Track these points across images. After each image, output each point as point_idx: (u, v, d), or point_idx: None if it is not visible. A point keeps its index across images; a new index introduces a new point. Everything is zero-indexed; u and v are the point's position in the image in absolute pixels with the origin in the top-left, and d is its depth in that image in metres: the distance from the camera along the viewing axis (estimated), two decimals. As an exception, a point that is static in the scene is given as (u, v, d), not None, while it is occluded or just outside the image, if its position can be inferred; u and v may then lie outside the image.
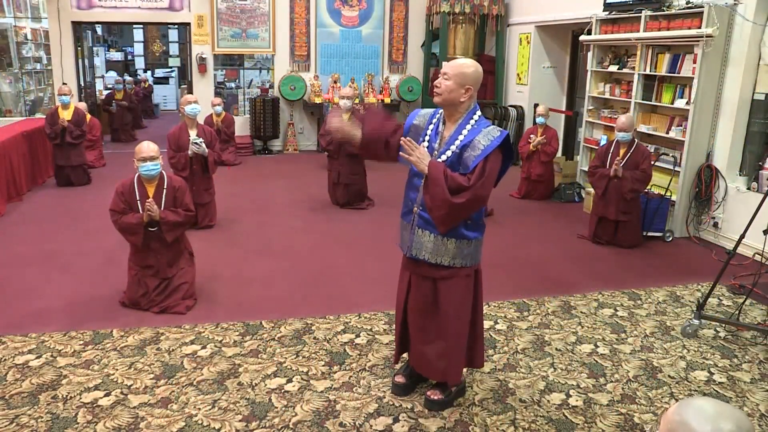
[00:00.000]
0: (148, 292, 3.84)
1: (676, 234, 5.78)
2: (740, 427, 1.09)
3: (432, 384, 2.96)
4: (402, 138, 2.65)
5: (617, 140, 5.41)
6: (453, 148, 2.62)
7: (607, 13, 6.63)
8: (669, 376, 3.24)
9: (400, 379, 2.99)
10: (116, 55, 16.42)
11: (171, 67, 16.45)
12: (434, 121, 2.74)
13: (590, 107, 7.12)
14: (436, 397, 2.86)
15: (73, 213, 6.14)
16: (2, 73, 10.01)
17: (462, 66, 2.61)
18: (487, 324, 3.76)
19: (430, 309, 2.79)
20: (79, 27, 9.63)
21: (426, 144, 2.70)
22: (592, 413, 2.87)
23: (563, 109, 9.03)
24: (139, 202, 3.80)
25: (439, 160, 2.63)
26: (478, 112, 2.67)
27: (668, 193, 5.72)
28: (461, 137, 2.62)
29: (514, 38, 9.49)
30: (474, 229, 2.71)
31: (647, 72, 6.16)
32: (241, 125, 9.97)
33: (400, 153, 2.66)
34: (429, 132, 2.72)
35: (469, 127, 2.63)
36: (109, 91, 11.72)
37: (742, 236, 3.70)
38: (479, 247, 2.78)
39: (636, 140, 5.42)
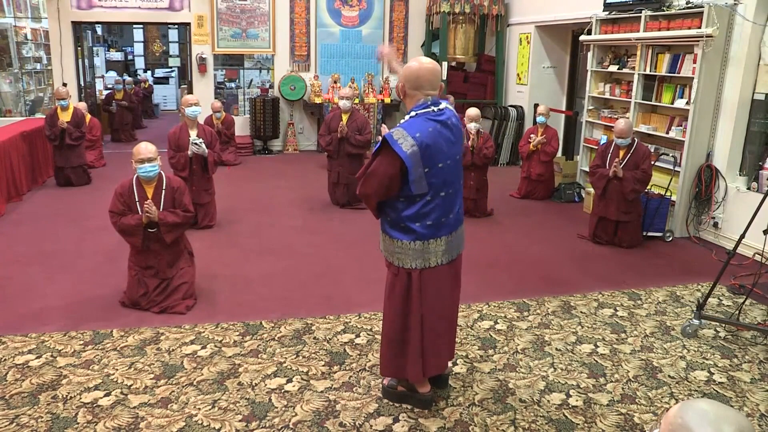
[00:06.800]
0: (148, 292, 3.84)
1: (676, 234, 5.78)
2: (742, 431, 1.08)
3: None
4: None
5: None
6: None
7: (607, 13, 6.63)
8: (669, 376, 3.24)
9: None
10: (116, 55, 16.41)
11: (171, 67, 16.44)
12: None
13: (590, 107, 7.12)
14: (384, 382, 2.95)
15: (73, 213, 6.14)
16: (2, 73, 10.01)
17: (404, 66, 2.67)
18: (487, 324, 3.77)
19: None
20: (79, 27, 9.62)
21: None
22: (592, 413, 2.87)
23: (563, 109, 9.03)
24: (138, 203, 3.79)
25: None
26: (414, 113, 2.57)
27: (668, 193, 5.72)
28: None
29: (514, 38, 9.48)
30: (395, 230, 2.63)
31: (647, 72, 6.15)
32: (241, 125, 9.97)
33: None
34: None
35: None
36: (109, 91, 11.72)
37: (742, 236, 3.70)
38: (411, 253, 2.61)
39: (636, 140, 5.41)
